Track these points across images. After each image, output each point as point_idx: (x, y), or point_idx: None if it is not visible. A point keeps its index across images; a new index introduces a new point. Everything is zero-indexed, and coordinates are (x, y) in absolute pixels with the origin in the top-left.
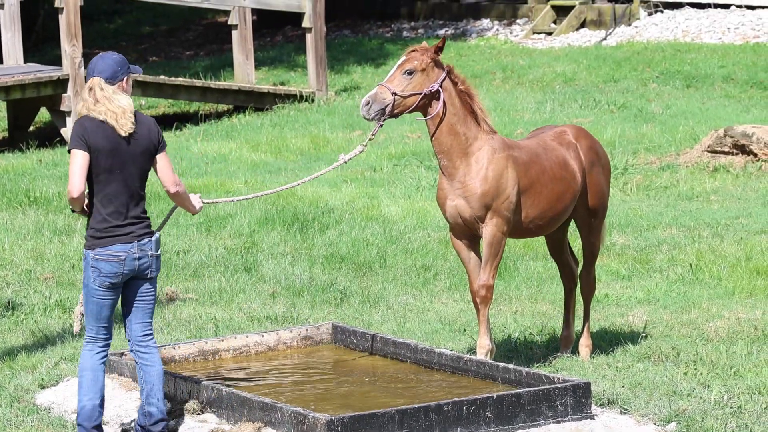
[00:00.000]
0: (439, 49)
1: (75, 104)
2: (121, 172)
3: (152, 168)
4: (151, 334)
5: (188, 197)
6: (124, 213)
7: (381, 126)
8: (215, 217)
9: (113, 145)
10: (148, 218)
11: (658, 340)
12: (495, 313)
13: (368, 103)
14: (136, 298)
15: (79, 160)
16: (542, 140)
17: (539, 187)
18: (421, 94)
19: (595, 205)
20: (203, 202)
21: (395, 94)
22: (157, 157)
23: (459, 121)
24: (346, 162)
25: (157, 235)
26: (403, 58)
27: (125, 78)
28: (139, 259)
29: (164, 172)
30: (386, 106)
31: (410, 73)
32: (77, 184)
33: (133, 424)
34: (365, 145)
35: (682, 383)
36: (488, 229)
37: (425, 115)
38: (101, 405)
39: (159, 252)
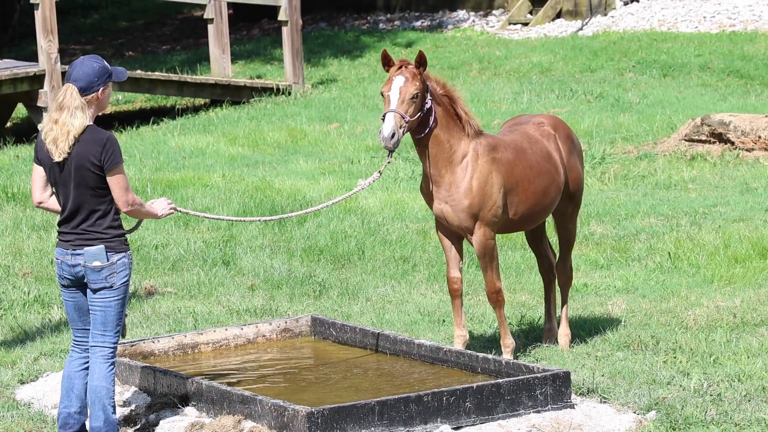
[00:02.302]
0: (422, 65)
1: (51, 101)
2: (64, 187)
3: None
4: (98, 347)
5: (146, 213)
6: (70, 223)
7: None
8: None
9: (51, 161)
10: (102, 233)
11: (637, 328)
12: (474, 303)
13: (393, 135)
14: (89, 307)
15: (33, 172)
16: (526, 133)
17: (526, 184)
18: (420, 114)
19: (573, 191)
20: (171, 210)
21: (405, 119)
22: (108, 178)
23: (442, 129)
24: (364, 189)
25: (95, 248)
26: (402, 78)
27: (101, 89)
28: (73, 266)
29: (114, 193)
30: (401, 133)
31: (415, 97)
32: (33, 195)
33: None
34: (380, 172)
35: (661, 371)
36: (477, 239)
37: (418, 134)
38: (80, 413)
39: (96, 265)
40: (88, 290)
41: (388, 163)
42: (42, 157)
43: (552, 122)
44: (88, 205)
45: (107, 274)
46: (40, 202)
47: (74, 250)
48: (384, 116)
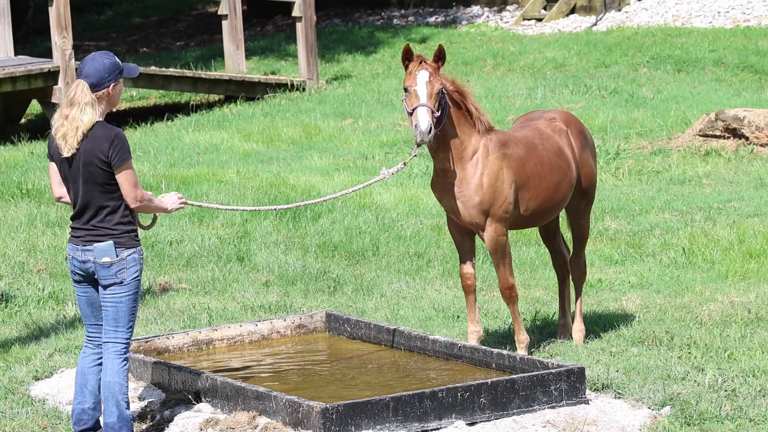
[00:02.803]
0: (441, 60)
1: (64, 99)
2: (74, 182)
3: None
4: (110, 343)
5: (155, 207)
6: (80, 219)
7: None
8: (208, 207)
9: (61, 157)
10: (111, 229)
11: (651, 324)
12: (489, 299)
13: (430, 130)
14: (101, 303)
15: (49, 168)
16: (537, 129)
17: (537, 180)
18: (440, 109)
19: (586, 186)
20: (182, 204)
21: (434, 114)
22: (116, 174)
23: (454, 125)
24: (386, 178)
25: (104, 244)
26: (425, 72)
27: (112, 85)
28: (84, 262)
29: (123, 189)
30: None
31: (440, 92)
32: (53, 190)
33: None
34: (405, 164)
35: (676, 367)
36: (489, 236)
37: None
38: (94, 408)
39: (106, 261)
40: (101, 288)
41: (415, 156)
42: (53, 153)
43: (564, 118)
44: (96, 201)
45: (117, 270)
46: (60, 197)
47: (84, 246)
48: (414, 111)
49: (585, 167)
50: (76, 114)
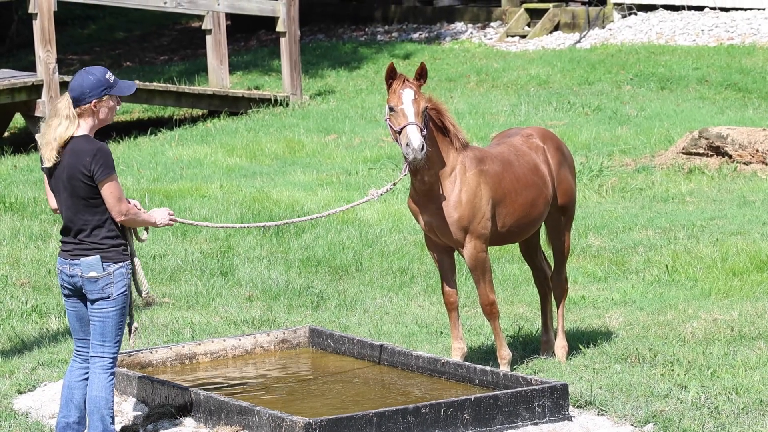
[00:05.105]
0: (423, 78)
1: (49, 110)
2: (59, 196)
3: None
4: (97, 357)
5: (142, 221)
6: (68, 233)
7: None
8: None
9: (47, 169)
10: (98, 244)
11: (634, 341)
12: (472, 315)
13: (423, 147)
14: (89, 317)
15: (45, 180)
16: (513, 145)
17: (514, 196)
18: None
19: (564, 203)
20: (171, 221)
21: (423, 132)
22: (100, 189)
23: (432, 143)
24: (375, 198)
25: (91, 259)
26: (411, 91)
27: (94, 101)
28: (71, 276)
29: (108, 203)
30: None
31: (425, 110)
32: (49, 202)
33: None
34: (395, 184)
35: (659, 384)
36: (468, 252)
37: None
38: (79, 422)
39: (93, 275)
40: (89, 302)
41: (404, 175)
42: (43, 164)
43: (541, 134)
44: (82, 215)
45: (104, 285)
46: (57, 208)
47: (72, 260)
48: (402, 130)
49: (563, 184)
50: (55, 125)
